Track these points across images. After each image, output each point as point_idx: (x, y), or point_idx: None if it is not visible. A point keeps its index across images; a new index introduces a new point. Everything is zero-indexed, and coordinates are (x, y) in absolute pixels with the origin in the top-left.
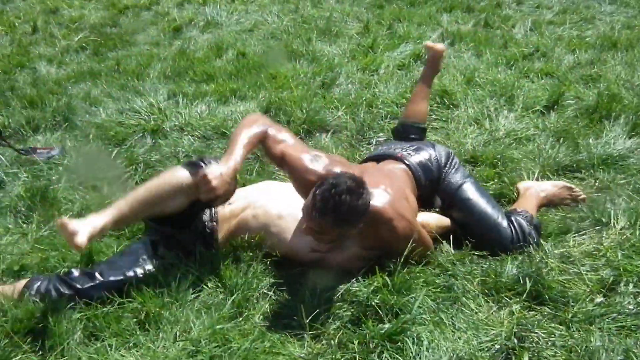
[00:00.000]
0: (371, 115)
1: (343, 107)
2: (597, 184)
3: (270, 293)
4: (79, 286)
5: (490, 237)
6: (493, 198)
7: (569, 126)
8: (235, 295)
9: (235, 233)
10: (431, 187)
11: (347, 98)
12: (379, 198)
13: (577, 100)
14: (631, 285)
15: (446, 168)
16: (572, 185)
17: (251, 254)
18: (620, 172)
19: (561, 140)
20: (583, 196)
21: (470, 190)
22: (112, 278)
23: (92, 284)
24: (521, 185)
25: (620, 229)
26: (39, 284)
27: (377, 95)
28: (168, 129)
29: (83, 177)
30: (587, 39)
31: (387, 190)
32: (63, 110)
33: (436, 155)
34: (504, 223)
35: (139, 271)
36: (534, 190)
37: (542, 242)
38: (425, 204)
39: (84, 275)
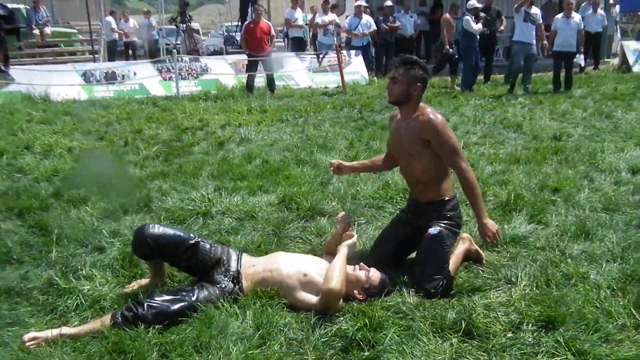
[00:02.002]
0: (355, 205)
1: (335, 199)
2: (508, 255)
3: (285, 329)
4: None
5: (426, 275)
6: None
7: (490, 215)
8: (260, 331)
9: (258, 284)
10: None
11: (338, 192)
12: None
13: (495, 198)
14: (530, 325)
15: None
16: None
17: (272, 301)
18: (523, 247)
19: None
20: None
21: (443, 238)
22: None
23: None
24: (463, 234)
25: (523, 286)
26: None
27: (359, 191)
28: (214, 213)
29: None
30: (500, 155)
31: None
32: (144, 199)
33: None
34: (440, 275)
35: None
36: (468, 240)
37: (471, 294)
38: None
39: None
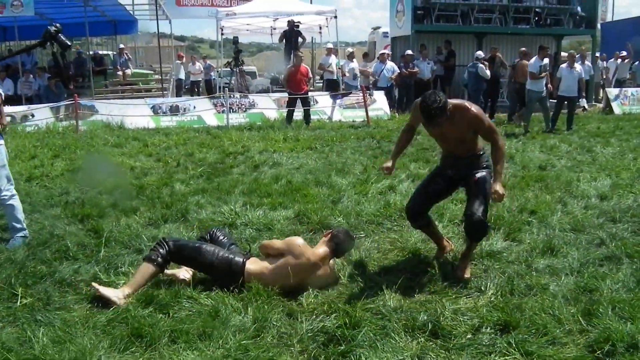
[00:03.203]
0: (357, 221)
1: (342, 215)
2: (483, 267)
3: (278, 324)
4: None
5: (478, 208)
6: None
7: None
8: (256, 324)
9: (258, 274)
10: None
11: (345, 210)
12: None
13: None
14: (489, 328)
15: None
16: None
17: (269, 299)
18: (497, 261)
19: None
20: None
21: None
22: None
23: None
24: None
25: (490, 295)
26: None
27: (363, 209)
28: (238, 224)
29: None
30: None
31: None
32: (182, 211)
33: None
34: (485, 212)
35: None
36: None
37: (443, 300)
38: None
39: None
